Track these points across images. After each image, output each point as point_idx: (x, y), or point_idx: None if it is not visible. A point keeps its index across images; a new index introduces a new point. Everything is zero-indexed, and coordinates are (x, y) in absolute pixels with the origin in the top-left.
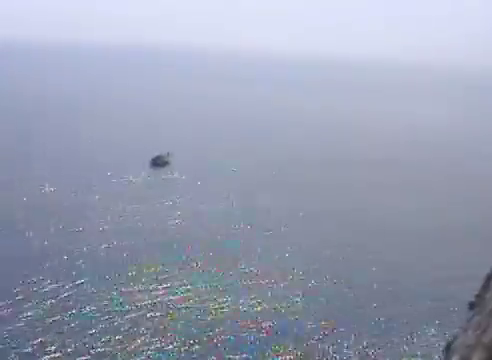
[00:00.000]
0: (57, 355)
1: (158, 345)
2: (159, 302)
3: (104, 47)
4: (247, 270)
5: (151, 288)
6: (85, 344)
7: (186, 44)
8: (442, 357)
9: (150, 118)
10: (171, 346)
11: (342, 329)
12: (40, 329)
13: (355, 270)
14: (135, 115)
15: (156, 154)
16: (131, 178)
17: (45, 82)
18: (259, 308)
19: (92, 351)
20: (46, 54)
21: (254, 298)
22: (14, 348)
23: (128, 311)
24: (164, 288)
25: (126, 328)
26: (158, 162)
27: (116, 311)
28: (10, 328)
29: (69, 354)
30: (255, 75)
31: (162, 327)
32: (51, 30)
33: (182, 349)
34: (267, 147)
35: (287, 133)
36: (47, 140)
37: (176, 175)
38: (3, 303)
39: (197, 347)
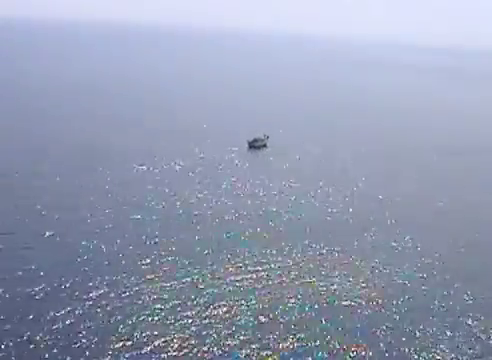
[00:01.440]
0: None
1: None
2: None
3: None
4: (339, 257)
5: (244, 267)
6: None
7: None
8: None
9: (250, 100)
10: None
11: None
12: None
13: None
14: (236, 96)
15: (253, 136)
16: (228, 160)
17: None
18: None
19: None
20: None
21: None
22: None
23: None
24: (255, 268)
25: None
26: (255, 144)
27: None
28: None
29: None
30: (364, 60)
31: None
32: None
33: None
34: (371, 134)
35: (394, 121)
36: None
37: (273, 159)
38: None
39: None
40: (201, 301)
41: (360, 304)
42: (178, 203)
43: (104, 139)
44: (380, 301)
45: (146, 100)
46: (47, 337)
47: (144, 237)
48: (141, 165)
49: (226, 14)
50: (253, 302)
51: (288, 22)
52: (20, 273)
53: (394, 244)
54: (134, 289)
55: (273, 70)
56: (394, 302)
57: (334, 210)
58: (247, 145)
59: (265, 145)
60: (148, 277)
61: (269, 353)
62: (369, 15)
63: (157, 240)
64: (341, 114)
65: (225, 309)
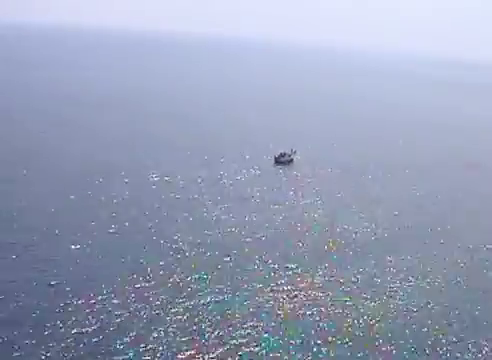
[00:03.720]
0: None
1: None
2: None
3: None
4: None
5: (263, 285)
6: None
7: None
8: None
9: (276, 114)
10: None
11: None
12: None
13: None
14: (262, 110)
15: (280, 151)
16: (254, 175)
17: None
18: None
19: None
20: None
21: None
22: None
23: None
24: (271, 287)
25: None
26: (282, 160)
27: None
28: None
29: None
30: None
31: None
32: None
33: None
34: (400, 150)
35: (423, 136)
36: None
37: (300, 175)
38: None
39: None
40: (223, 313)
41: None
42: (200, 218)
43: (127, 154)
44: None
45: (167, 112)
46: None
47: (168, 250)
48: (161, 180)
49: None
50: (272, 319)
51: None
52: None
53: (429, 265)
54: (161, 301)
55: (300, 83)
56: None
57: (359, 229)
58: (273, 160)
59: (292, 160)
60: (171, 289)
61: None
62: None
63: (181, 255)
64: (369, 129)
65: (246, 325)
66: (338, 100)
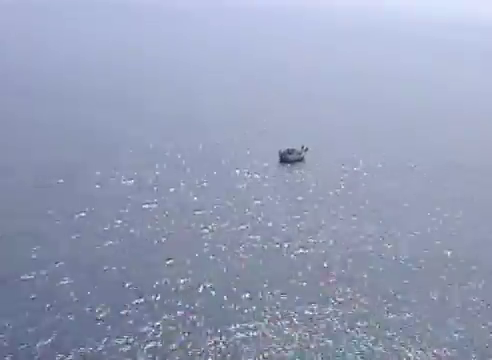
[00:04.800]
0: None
1: None
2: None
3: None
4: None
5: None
6: None
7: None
8: None
9: (279, 97)
10: None
11: None
12: None
13: None
14: (261, 91)
15: (287, 147)
16: (255, 175)
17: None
18: None
19: None
20: None
21: None
22: None
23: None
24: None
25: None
26: (289, 157)
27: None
28: None
29: None
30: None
31: None
32: None
33: None
34: (422, 145)
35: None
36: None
37: (310, 176)
38: None
39: None
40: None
41: None
42: (196, 226)
43: (121, 155)
44: None
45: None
46: None
47: (161, 258)
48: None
49: None
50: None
51: None
52: None
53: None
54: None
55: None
56: None
57: (378, 247)
58: (279, 157)
59: (302, 159)
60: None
61: None
62: None
63: (172, 262)
64: (397, 118)
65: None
66: (355, 78)
